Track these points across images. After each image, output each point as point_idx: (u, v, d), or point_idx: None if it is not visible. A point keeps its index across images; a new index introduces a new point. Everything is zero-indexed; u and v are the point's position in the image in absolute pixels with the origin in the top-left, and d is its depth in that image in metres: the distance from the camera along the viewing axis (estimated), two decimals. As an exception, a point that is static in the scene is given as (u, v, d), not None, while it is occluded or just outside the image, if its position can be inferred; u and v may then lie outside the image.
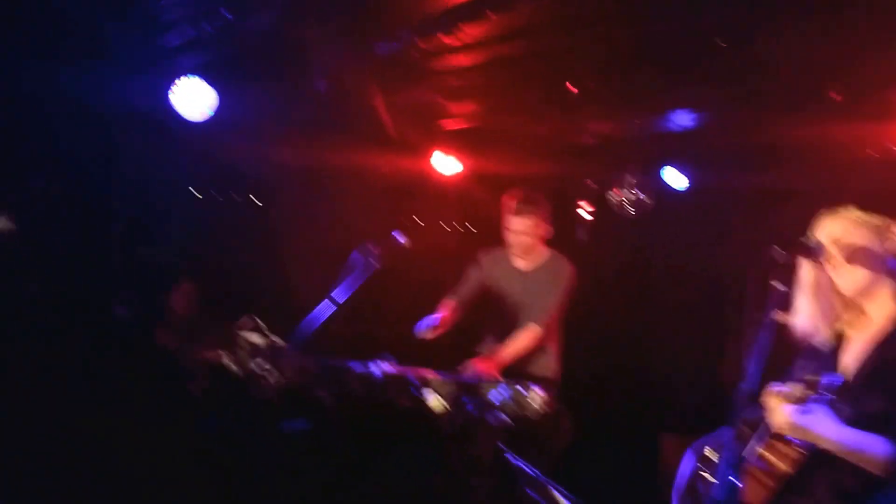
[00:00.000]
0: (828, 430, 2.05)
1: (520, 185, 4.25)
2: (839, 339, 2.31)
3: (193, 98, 4.22)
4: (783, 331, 2.27)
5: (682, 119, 4.76)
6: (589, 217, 6.27)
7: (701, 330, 5.51)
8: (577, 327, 6.08)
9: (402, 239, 3.54)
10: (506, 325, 4.15)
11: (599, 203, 6.06)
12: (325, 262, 3.91)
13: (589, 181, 6.12)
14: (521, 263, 4.24)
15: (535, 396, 3.48)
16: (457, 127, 5.32)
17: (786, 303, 2.14)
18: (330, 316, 3.29)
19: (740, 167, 5.00)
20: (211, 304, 4.60)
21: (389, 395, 3.78)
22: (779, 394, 2.06)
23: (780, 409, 2.05)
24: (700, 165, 5.37)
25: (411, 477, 4.58)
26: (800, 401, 2.03)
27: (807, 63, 3.62)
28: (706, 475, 2.32)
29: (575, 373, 5.43)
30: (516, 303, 4.17)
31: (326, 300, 3.28)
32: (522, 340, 4.04)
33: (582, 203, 6.24)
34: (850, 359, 2.25)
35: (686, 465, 2.40)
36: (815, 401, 2.04)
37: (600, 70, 4.09)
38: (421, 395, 3.65)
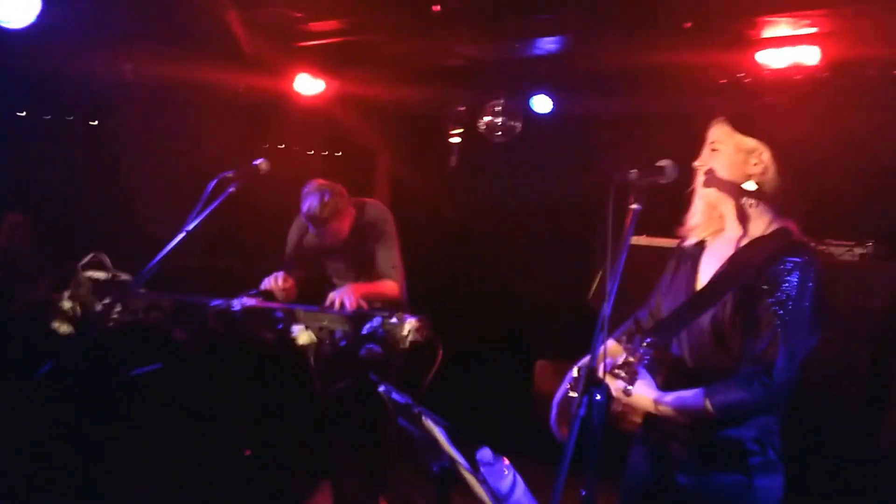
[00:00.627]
0: (647, 405, 2.22)
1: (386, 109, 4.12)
2: (702, 246, 2.39)
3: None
4: (642, 251, 2.31)
5: (547, 43, 4.74)
6: (457, 142, 6.25)
7: (570, 255, 5.63)
8: (449, 256, 6.13)
9: (261, 164, 3.32)
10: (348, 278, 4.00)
11: (469, 128, 6.03)
12: (177, 189, 3.66)
13: (458, 107, 6.07)
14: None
15: (408, 326, 3.44)
16: (317, 43, 5.07)
17: (643, 223, 2.14)
18: (183, 247, 3.05)
19: (602, 92, 5.06)
20: (46, 238, 4.23)
21: (251, 330, 3.64)
22: (608, 373, 2.10)
23: (612, 387, 2.10)
24: (564, 91, 5.40)
25: (279, 416, 4.50)
26: (629, 373, 2.09)
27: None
28: (573, 394, 2.35)
29: (448, 301, 5.47)
30: (350, 259, 4.01)
31: (180, 232, 3.04)
32: (382, 288, 3.92)
33: (454, 129, 6.21)
34: (706, 269, 2.33)
35: (562, 388, 2.43)
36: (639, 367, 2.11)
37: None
38: (287, 329, 3.53)
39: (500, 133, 5.57)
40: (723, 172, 2.28)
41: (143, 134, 5.07)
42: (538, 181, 5.74)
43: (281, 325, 3.56)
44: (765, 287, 2.14)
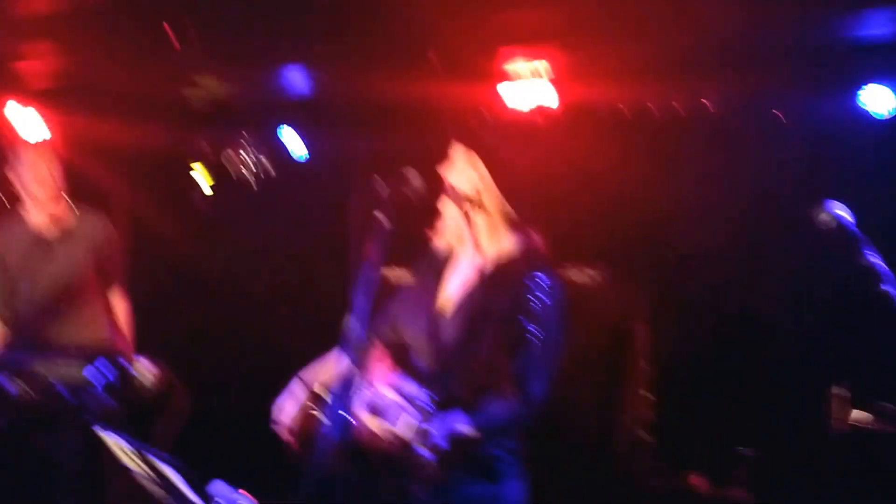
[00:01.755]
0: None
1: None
2: (446, 260, 2.41)
3: None
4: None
5: (296, 79, 4.77)
6: (208, 185, 6.04)
7: (325, 297, 5.58)
8: (197, 300, 5.86)
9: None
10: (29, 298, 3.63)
11: (218, 170, 5.86)
12: None
13: (205, 145, 5.88)
14: (43, 228, 3.69)
15: (145, 373, 3.23)
16: (43, 86, 4.73)
17: (388, 235, 2.15)
18: None
19: (357, 131, 5.13)
20: None
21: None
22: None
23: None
24: (319, 130, 5.42)
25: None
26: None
27: (408, 22, 3.80)
28: (316, 413, 2.29)
29: (197, 347, 5.20)
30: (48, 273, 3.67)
31: None
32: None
33: (196, 168, 5.99)
34: (451, 286, 2.36)
35: (287, 401, 2.33)
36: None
37: (204, 23, 3.93)
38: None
39: (249, 172, 5.47)
40: (462, 187, 2.33)
41: None
42: (292, 223, 5.68)
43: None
44: (520, 308, 2.21)
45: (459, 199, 2.33)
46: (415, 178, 2.27)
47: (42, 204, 3.60)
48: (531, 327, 2.20)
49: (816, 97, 4.29)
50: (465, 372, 2.23)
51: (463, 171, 2.35)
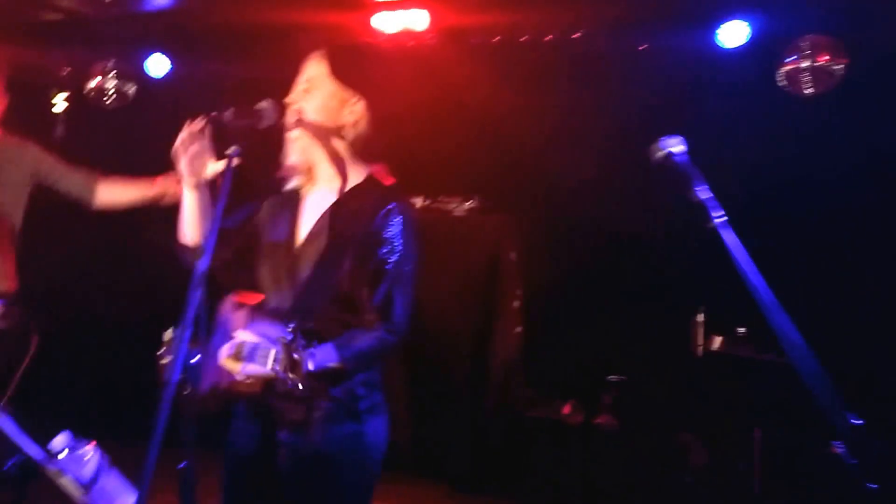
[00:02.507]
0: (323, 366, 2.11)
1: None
2: (299, 194, 2.35)
3: None
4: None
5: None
6: (63, 109, 5.68)
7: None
8: (57, 232, 5.58)
9: None
10: None
11: (75, 93, 5.51)
12: None
13: (63, 68, 5.52)
14: None
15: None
16: None
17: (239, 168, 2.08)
18: None
19: (222, 54, 4.91)
20: None
21: None
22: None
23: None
24: (182, 50, 5.16)
25: None
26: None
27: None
28: (165, 359, 2.24)
29: (55, 281, 4.96)
30: None
31: None
32: None
33: (58, 94, 5.63)
34: (307, 220, 2.32)
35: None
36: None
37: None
38: None
39: (111, 98, 5.16)
40: (314, 115, 2.26)
41: None
42: (154, 150, 5.41)
43: None
44: (375, 238, 2.21)
45: (310, 129, 2.26)
46: (270, 110, 2.19)
47: None
48: (387, 256, 2.21)
49: (677, 31, 4.41)
50: (325, 306, 2.22)
51: (317, 97, 2.27)
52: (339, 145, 2.30)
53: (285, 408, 2.22)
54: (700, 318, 4.17)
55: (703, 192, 1.91)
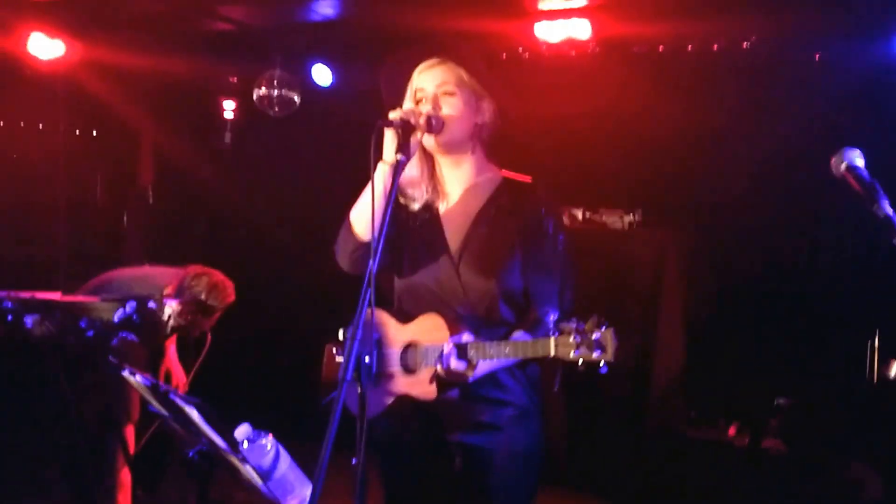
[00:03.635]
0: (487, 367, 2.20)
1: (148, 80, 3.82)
2: (434, 209, 2.38)
3: None
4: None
5: (323, 7, 4.67)
6: (231, 117, 6.02)
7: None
8: (224, 239, 5.92)
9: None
10: None
11: (243, 102, 5.82)
12: None
13: (232, 77, 5.85)
14: None
15: (168, 311, 3.25)
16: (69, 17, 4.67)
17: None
18: None
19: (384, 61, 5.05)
20: None
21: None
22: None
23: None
24: (345, 60, 5.34)
25: (22, 420, 4.12)
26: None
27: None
28: (339, 358, 2.31)
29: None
30: None
31: None
32: None
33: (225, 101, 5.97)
34: (452, 222, 2.34)
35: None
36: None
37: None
38: (19, 320, 3.21)
39: (276, 107, 5.41)
40: (460, 116, 2.27)
41: None
42: (318, 157, 5.64)
43: (10, 317, 3.23)
44: (537, 236, 2.26)
45: (450, 134, 2.26)
46: (437, 118, 2.22)
47: None
48: (553, 253, 2.27)
49: (852, 41, 4.18)
50: (498, 306, 2.26)
51: (457, 96, 2.27)
52: (478, 147, 2.34)
53: (475, 409, 2.26)
54: (876, 342, 3.92)
55: (888, 207, 1.81)
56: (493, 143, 2.37)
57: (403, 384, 2.25)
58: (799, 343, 4.36)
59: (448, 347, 2.14)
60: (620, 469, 4.52)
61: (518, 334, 2.20)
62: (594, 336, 2.02)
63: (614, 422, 4.60)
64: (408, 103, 2.29)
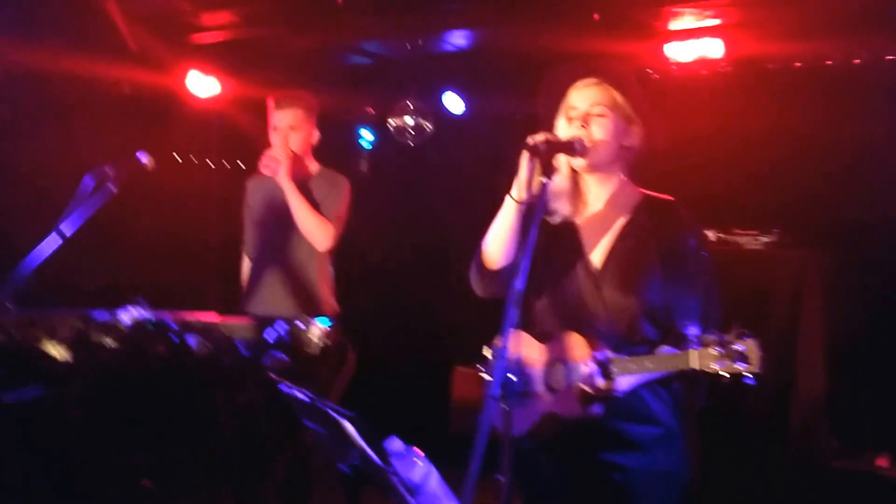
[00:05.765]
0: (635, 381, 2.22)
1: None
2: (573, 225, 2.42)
3: None
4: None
5: (456, 38, 4.82)
6: (369, 146, 6.25)
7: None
8: (362, 262, 6.12)
9: (145, 159, 3.20)
10: (281, 251, 3.79)
11: (379, 131, 6.04)
12: (45, 194, 3.51)
13: (368, 107, 6.08)
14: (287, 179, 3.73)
15: (315, 330, 3.41)
16: (211, 40, 5.00)
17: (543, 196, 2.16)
18: (58, 254, 2.92)
19: (515, 90, 5.15)
20: None
21: (143, 345, 3.52)
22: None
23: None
24: (476, 88, 5.47)
25: (180, 437, 4.39)
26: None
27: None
28: (484, 375, 2.37)
29: (361, 309, 5.43)
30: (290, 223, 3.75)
31: (52, 235, 2.91)
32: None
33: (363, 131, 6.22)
34: (593, 239, 2.38)
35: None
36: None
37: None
38: (183, 340, 3.44)
39: (411, 135, 5.59)
40: (609, 139, 2.31)
41: (8, 132, 4.83)
42: (452, 183, 5.78)
43: (176, 338, 3.46)
44: (682, 253, 2.28)
45: (598, 155, 2.31)
46: (581, 143, 2.28)
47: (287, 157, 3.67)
48: (701, 267, 2.29)
49: None
50: (641, 324, 2.27)
51: (608, 118, 2.31)
52: (622, 168, 2.38)
53: (619, 429, 2.28)
54: None
55: None
56: (636, 165, 2.41)
57: (548, 403, 2.30)
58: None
59: (589, 364, 2.18)
60: (760, 497, 4.38)
61: (661, 349, 2.21)
62: (737, 347, 2.00)
63: (753, 449, 4.45)
64: (561, 120, 2.35)
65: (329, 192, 3.80)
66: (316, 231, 3.66)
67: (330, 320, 3.37)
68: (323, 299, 3.81)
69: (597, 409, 2.25)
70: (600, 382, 2.17)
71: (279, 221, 3.75)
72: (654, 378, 2.22)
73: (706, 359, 2.03)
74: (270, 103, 3.81)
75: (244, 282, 3.91)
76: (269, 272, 3.79)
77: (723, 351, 2.01)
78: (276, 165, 3.64)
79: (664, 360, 2.14)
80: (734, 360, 1.99)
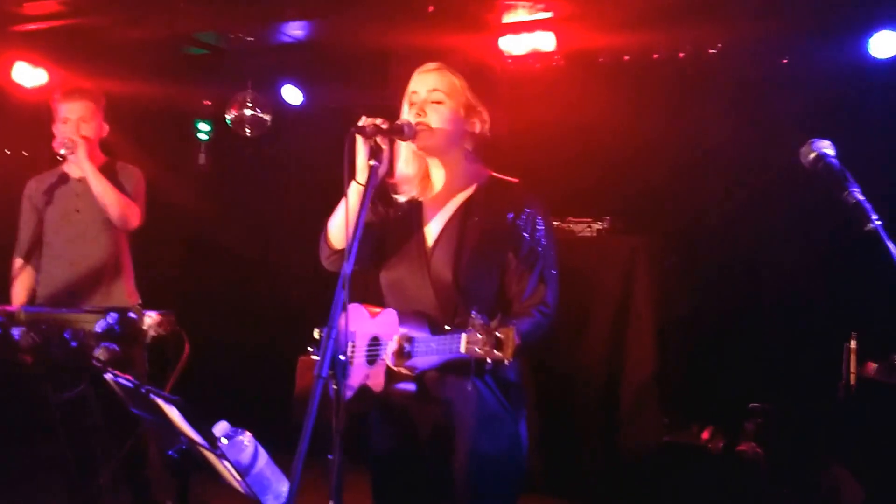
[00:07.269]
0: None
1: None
2: (418, 201, 2.49)
3: None
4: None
5: (293, 29, 4.83)
6: (206, 139, 6.16)
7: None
8: (202, 256, 6.02)
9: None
10: (70, 245, 3.81)
11: (217, 123, 5.96)
12: None
13: (205, 100, 5.99)
14: (74, 171, 3.83)
15: (148, 321, 3.37)
16: (36, 29, 4.82)
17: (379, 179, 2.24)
18: None
19: (353, 81, 5.21)
20: None
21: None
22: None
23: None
24: (315, 80, 5.50)
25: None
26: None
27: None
28: (314, 357, 2.42)
29: (199, 301, 5.35)
30: (82, 219, 3.82)
31: None
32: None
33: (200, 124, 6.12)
34: (434, 223, 2.45)
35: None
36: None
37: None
38: (7, 332, 3.32)
39: (249, 127, 5.56)
40: (443, 125, 2.37)
41: None
42: (292, 174, 5.79)
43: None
44: (518, 230, 2.35)
45: (438, 139, 2.37)
46: (409, 126, 2.34)
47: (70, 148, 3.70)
48: (537, 249, 2.36)
49: (823, 44, 4.33)
50: (471, 300, 2.29)
51: (447, 108, 2.37)
52: (462, 151, 2.44)
53: (448, 406, 2.34)
54: (852, 343, 4.03)
55: (858, 194, 1.86)
56: (479, 149, 2.46)
57: (363, 375, 2.38)
58: (773, 346, 4.49)
59: (394, 341, 2.27)
60: (595, 475, 4.64)
61: (455, 332, 2.23)
62: (498, 334, 2.07)
63: (588, 427, 4.70)
64: (405, 104, 2.41)
65: (128, 179, 3.86)
66: (122, 208, 3.72)
67: (133, 312, 3.35)
68: (126, 291, 3.87)
69: (407, 387, 2.32)
70: (396, 359, 2.25)
71: (70, 218, 3.80)
72: (449, 360, 2.25)
73: (472, 344, 2.10)
74: (56, 96, 3.81)
75: (19, 280, 3.88)
76: (63, 269, 3.80)
77: (485, 337, 2.08)
78: (72, 145, 3.66)
79: (443, 342, 2.21)
80: (492, 347, 2.07)
